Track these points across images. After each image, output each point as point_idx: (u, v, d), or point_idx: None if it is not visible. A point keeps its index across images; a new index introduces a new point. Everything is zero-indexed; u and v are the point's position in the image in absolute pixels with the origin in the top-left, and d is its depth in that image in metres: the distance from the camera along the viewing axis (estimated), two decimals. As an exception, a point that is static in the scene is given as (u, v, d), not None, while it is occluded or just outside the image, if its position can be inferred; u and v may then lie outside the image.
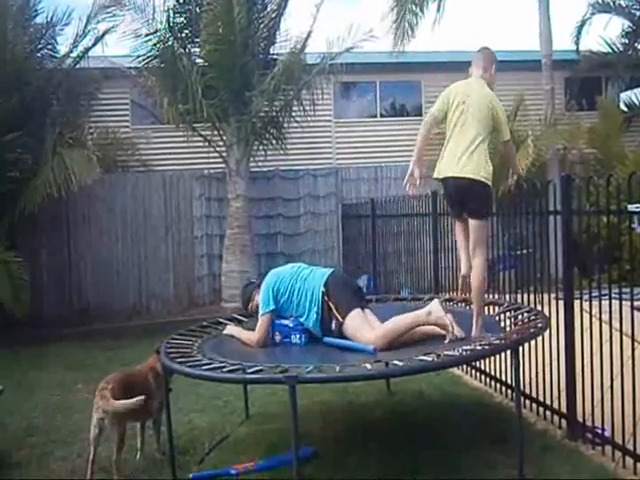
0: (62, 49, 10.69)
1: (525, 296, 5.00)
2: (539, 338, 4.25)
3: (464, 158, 4.23)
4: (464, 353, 3.74)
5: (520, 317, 4.46)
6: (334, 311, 4.31)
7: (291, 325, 4.41)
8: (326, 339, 4.36)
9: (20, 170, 9.69)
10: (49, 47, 10.67)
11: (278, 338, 4.46)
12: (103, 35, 10.43)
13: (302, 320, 4.44)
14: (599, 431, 4.18)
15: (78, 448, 4.65)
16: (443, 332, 4.14)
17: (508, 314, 4.69)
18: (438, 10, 13.10)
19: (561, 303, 4.52)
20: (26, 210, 9.27)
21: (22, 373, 7.29)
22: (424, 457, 4.17)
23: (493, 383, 5.67)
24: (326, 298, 4.36)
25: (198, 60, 10.64)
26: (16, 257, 8.97)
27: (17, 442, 4.88)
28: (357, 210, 11.48)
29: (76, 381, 6.76)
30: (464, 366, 6.18)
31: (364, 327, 4.22)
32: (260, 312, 4.52)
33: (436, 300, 4.40)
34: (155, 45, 10.42)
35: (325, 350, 4.24)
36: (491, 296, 5.42)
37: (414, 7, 12.81)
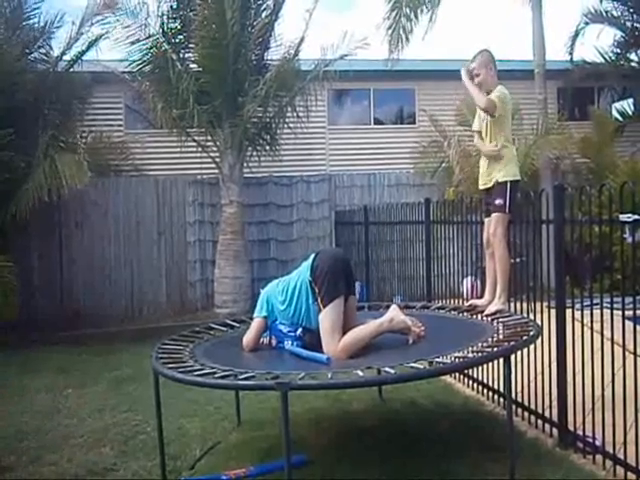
0: (56, 53, 10.68)
1: (517, 304, 5.02)
2: (531, 346, 4.26)
3: None
4: (456, 361, 3.75)
5: (512, 325, 4.47)
6: (317, 297, 4.20)
7: (285, 331, 4.38)
8: (286, 347, 4.31)
9: (12, 173, 9.63)
10: (42, 50, 10.63)
11: (274, 342, 4.44)
12: (97, 40, 10.42)
13: (304, 318, 4.32)
14: (590, 440, 4.18)
15: (68, 453, 4.64)
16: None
17: (500, 322, 4.70)
18: (430, 20, 13.15)
19: (553, 311, 4.54)
20: (17, 213, 9.21)
21: (12, 377, 7.25)
22: (416, 465, 4.17)
23: (485, 391, 5.68)
24: (314, 285, 4.23)
25: (192, 65, 10.65)
26: (6, 261, 8.90)
27: (7, 447, 4.84)
28: (350, 217, 11.47)
29: (67, 385, 6.75)
30: (456, 374, 6.19)
31: (333, 334, 4.08)
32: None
33: (394, 306, 4.49)
34: (149, 50, 10.42)
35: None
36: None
37: (409, 13, 12.84)
